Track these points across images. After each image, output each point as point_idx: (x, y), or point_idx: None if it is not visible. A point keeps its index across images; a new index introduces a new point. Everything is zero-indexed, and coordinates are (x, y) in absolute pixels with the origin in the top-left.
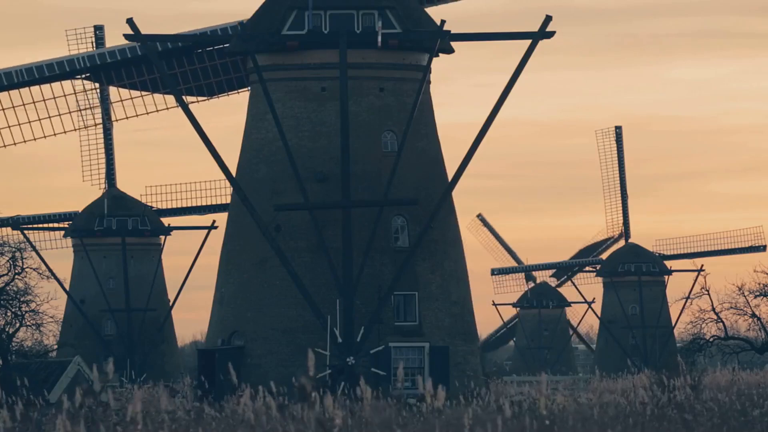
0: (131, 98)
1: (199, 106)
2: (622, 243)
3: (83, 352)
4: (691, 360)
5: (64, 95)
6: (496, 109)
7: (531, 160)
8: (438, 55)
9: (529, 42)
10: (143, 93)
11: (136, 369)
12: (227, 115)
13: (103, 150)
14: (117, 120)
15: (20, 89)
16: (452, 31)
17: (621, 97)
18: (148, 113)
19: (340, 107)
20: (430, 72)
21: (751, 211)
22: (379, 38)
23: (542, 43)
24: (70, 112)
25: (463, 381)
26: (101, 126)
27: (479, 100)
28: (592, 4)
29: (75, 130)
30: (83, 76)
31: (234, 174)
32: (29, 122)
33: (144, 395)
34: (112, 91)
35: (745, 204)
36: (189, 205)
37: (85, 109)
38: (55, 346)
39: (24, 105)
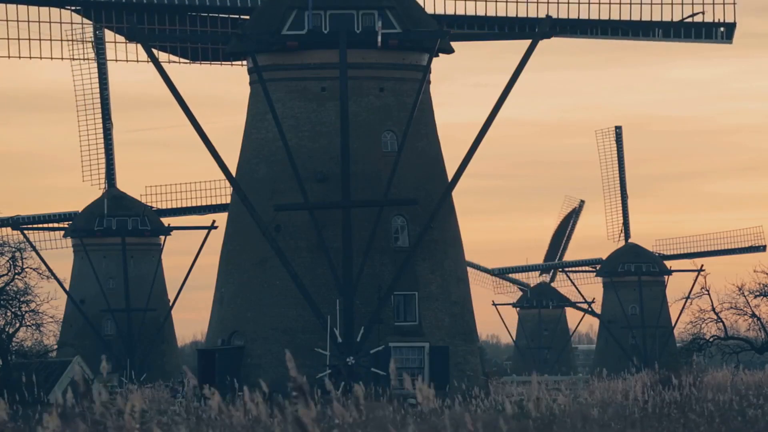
0: (115, 42)
1: (199, 106)
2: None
3: (83, 352)
4: (690, 360)
5: (49, 22)
6: (496, 109)
7: (531, 160)
8: (438, 55)
9: (529, 42)
10: (127, 41)
11: (136, 369)
12: (227, 115)
13: (103, 150)
14: (109, 60)
15: (8, 4)
16: (452, 31)
17: (621, 97)
18: (127, 61)
19: (340, 107)
20: (430, 72)
21: (751, 211)
22: (379, 38)
23: (542, 43)
24: (51, 40)
25: (463, 381)
26: (101, 125)
27: (479, 100)
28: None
29: (65, 59)
30: (73, 8)
31: (234, 174)
32: (18, 39)
33: (144, 395)
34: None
35: (745, 204)
36: (189, 205)
37: (75, 41)
38: (55, 346)
39: (7, 21)
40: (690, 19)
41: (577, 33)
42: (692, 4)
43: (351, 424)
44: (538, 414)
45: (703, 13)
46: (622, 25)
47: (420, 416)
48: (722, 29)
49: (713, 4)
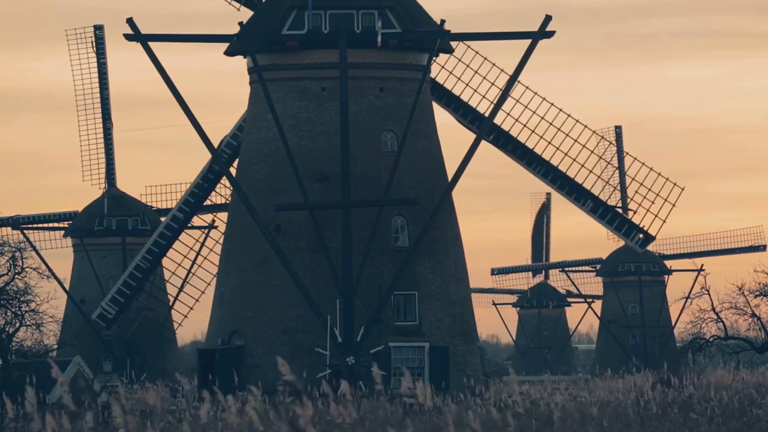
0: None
1: (199, 106)
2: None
3: (83, 352)
4: (686, 360)
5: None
6: (496, 108)
7: None
8: (438, 55)
9: (529, 42)
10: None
11: (136, 369)
12: (227, 115)
13: (103, 150)
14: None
15: None
16: (452, 31)
17: (620, 97)
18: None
19: (340, 107)
20: (430, 72)
21: (751, 211)
22: (379, 38)
23: (542, 43)
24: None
25: (463, 381)
26: (101, 125)
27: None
28: (591, 4)
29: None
30: None
31: (234, 174)
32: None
33: (143, 395)
34: None
35: (745, 204)
36: None
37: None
38: (55, 346)
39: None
40: (620, 210)
41: (524, 161)
42: (631, 200)
43: (351, 424)
44: (549, 411)
45: (635, 212)
46: (562, 177)
47: (419, 415)
48: (640, 236)
49: (647, 211)
